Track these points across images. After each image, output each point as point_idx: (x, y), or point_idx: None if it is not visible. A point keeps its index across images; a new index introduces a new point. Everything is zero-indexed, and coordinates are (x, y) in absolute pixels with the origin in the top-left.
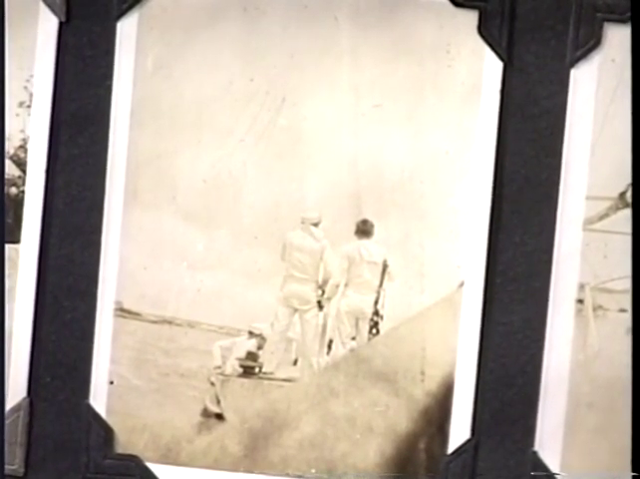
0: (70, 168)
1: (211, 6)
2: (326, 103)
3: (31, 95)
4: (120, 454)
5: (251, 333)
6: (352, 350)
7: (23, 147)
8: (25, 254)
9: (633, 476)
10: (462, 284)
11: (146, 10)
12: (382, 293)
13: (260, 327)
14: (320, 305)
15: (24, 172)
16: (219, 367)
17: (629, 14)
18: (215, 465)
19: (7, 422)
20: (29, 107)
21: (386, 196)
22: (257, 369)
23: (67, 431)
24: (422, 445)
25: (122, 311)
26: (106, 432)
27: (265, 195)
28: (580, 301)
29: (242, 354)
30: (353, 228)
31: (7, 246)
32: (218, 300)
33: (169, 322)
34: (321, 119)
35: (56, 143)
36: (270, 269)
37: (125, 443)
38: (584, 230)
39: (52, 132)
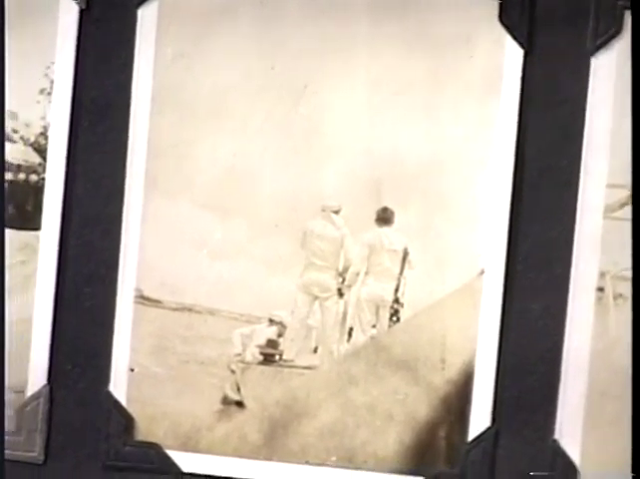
0: (90, 155)
1: None
2: (346, 92)
3: (52, 82)
4: (140, 442)
5: (271, 321)
6: (372, 338)
7: (43, 134)
8: (45, 241)
9: (633, 476)
10: (482, 272)
11: None
12: (402, 281)
13: (280, 315)
14: (340, 293)
15: (44, 159)
16: (239, 355)
17: None
18: (235, 453)
19: (27, 409)
20: (49, 94)
21: (406, 184)
22: (277, 357)
23: (87, 419)
24: (442, 433)
25: (142, 299)
26: (126, 420)
27: (285, 183)
28: (601, 289)
29: (262, 342)
30: (373, 216)
31: (27, 233)
32: (239, 288)
33: (189, 310)
34: (341, 107)
35: (76, 130)
36: (290, 257)
37: (145, 431)
38: (605, 217)
39: (72, 119)
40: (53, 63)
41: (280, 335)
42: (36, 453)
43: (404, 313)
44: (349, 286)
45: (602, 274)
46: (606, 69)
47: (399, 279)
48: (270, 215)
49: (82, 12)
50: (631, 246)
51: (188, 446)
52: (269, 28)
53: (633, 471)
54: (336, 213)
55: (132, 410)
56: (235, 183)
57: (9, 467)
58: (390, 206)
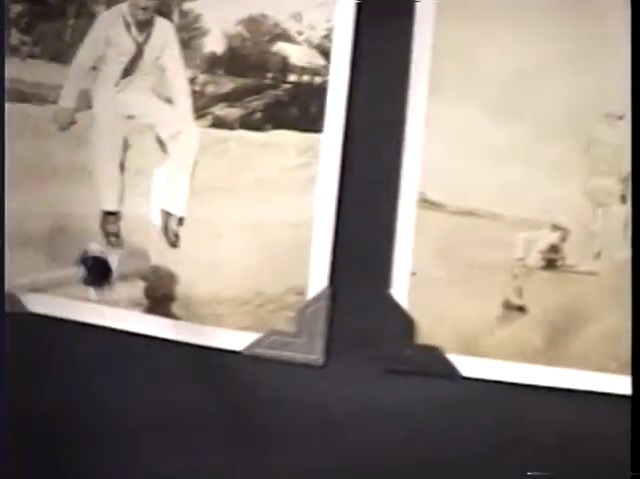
0: (374, 58)
1: None
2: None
3: None
4: (420, 345)
5: (554, 226)
6: None
7: (328, 36)
8: (327, 144)
9: (632, 476)
10: None
11: None
12: None
13: (564, 221)
14: (623, 199)
15: (328, 61)
16: (522, 259)
17: None
18: (516, 357)
19: (308, 312)
20: None
21: None
22: (560, 262)
23: (367, 322)
24: None
25: (425, 202)
26: (407, 323)
27: (570, 87)
28: None
29: (545, 247)
30: None
31: (310, 136)
32: (522, 193)
33: (472, 214)
34: (622, 17)
35: (361, 33)
36: (574, 163)
37: (425, 334)
38: None
39: (357, 22)
40: None
41: (563, 241)
42: (316, 355)
43: None
44: None
45: None
46: None
47: None
48: (555, 119)
49: None
50: (631, 246)
51: (469, 350)
52: None
53: (633, 470)
54: (620, 119)
55: (413, 314)
56: (521, 86)
57: (289, 369)
58: None
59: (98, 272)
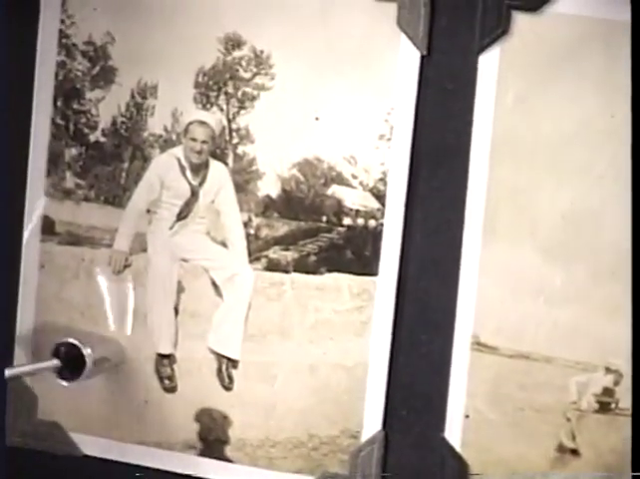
0: (429, 201)
1: (573, 41)
2: None
3: (391, 128)
4: None
5: (608, 369)
6: None
7: (382, 179)
8: (382, 287)
9: (633, 476)
10: None
11: (507, 45)
12: None
13: (617, 363)
14: None
15: (383, 204)
16: (575, 403)
17: None
18: None
19: (362, 454)
20: (389, 140)
21: None
22: (613, 405)
23: (421, 464)
24: None
25: (478, 345)
26: (460, 466)
27: (624, 231)
28: None
29: (599, 390)
30: None
31: (365, 279)
32: (575, 335)
33: (526, 357)
34: None
35: (415, 176)
36: (627, 305)
37: (479, 477)
38: None
39: (411, 165)
40: (393, 109)
41: (616, 384)
42: None
43: None
44: None
45: None
46: None
47: None
48: (609, 262)
49: (422, 58)
50: (631, 249)
51: None
52: (612, 74)
53: (633, 471)
54: None
55: (466, 456)
56: (574, 231)
57: None
58: None
59: (71, 363)
